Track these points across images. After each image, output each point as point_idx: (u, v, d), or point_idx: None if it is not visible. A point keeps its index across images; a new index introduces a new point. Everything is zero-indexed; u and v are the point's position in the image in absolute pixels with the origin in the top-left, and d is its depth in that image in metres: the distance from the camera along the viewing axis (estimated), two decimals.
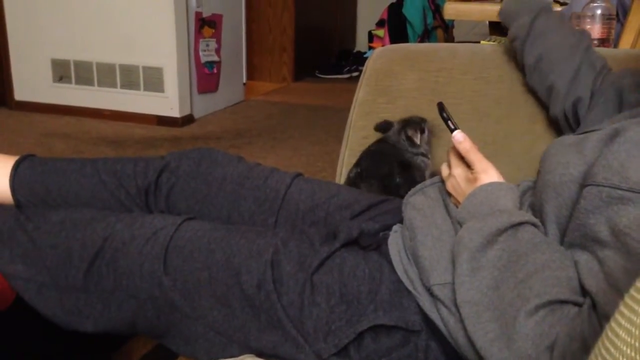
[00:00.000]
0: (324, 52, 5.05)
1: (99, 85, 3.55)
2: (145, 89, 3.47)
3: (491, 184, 0.81)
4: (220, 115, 3.77)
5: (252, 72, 4.67)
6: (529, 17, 1.16)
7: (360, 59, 4.91)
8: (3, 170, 1.08)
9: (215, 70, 3.70)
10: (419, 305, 0.80)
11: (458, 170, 0.88)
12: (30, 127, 3.44)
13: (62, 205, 1.06)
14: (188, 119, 3.53)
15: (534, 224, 0.74)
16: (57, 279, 1.00)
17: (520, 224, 0.73)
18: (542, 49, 1.14)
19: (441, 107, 0.95)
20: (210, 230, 0.96)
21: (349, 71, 4.91)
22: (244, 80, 4.25)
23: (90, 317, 0.99)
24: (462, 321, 0.71)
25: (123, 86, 3.50)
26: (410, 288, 0.81)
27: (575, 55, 1.11)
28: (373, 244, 0.93)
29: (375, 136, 1.31)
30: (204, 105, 3.68)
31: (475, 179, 0.84)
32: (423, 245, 0.82)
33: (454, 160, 0.90)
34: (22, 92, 3.74)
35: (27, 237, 1.02)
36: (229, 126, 3.55)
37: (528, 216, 0.75)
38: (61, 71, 3.60)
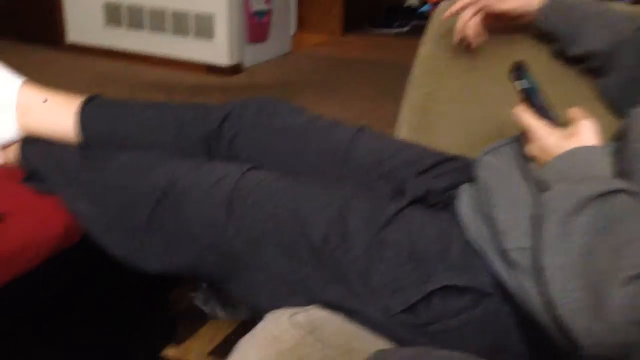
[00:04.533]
0: (374, 6, 4.94)
1: (150, 30, 3.55)
2: (195, 36, 3.46)
3: (587, 147, 0.77)
4: (268, 65, 3.74)
5: (301, 23, 4.61)
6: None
7: (410, 15, 4.79)
8: (69, 109, 1.08)
9: (265, 20, 3.66)
10: (490, 268, 0.78)
11: (545, 128, 0.83)
12: (82, 70, 3.48)
13: (125, 147, 1.07)
14: (237, 68, 3.51)
15: (630, 193, 0.71)
16: (121, 220, 1.01)
17: (617, 191, 0.70)
18: None
19: (520, 67, 0.91)
20: (275, 180, 0.95)
21: (399, 26, 4.80)
22: (293, 31, 4.19)
23: (152, 259, 1.01)
24: (540, 286, 0.69)
25: (174, 32, 3.50)
26: (481, 250, 0.80)
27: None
28: (440, 202, 0.91)
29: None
30: (253, 55, 3.65)
31: (570, 136, 0.79)
32: (499, 207, 0.79)
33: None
34: (74, 34, 3.78)
35: (93, 177, 1.04)
36: (277, 77, 3.53)
37: (625, 184, 0.72)
38: (113, 14, 3.61)
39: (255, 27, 3.60)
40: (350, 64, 3.88)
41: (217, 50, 3.44)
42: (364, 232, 0.84)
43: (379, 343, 0.77)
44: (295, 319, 0.77)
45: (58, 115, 1.09)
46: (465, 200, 0.87)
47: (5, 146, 1.12)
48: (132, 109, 1.09)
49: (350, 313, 0.82)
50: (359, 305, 0.82)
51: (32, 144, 1.10)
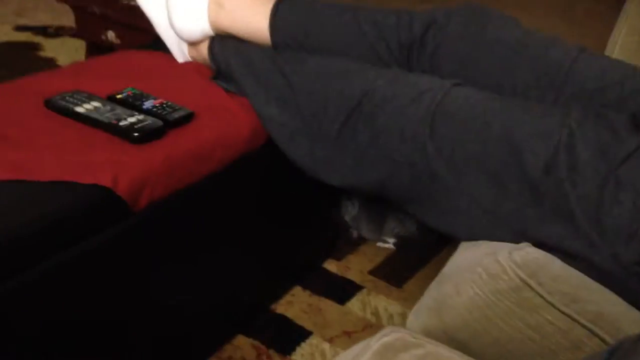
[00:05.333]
0: None
1: None
2: None
3: None
4: None
5: None
6: None
7: None
8: (263, 10, 1.03)
9: None
10: None
11: None
12: None
13: (318, 52, 1.01)
14: None
15: None
16: (310, 127, 0.96)
17: None
18: None
19: None
20: (485, 100, 0.85)
21: None
22: None
23: (339, 171, 0.97)
24: None
25: None
26: None
27: None
28: None
29: None
30: None
31: None
32: None
33: None
34: None
35: (284, 81, 0.99)
36: None
37: None
38: None
39: None
40: None
41: None
42: (596, 165, 0.73)
43: (608, 296, 0.68)
44: (514, 257, 0.69)
45: (250, 13, 1.04)
46: None
47: (196, 43, 1.09)
48: (328, 11, 1.02)
49: (570, 256, 0.73)
50: (582, 249, 0.72)
51: (222, 42, 1.07)
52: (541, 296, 0.66)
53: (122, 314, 0.90)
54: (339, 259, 1.35)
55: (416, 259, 1.37)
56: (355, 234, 1.39)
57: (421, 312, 0.73)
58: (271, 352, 1.11)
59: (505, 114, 0.82)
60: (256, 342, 1.13)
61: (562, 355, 0.65)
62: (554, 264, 0.71)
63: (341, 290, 1.27)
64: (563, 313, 0.65)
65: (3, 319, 0.73)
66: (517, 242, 0.76)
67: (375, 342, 0.62)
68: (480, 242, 0.80)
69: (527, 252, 0.72)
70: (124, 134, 0.89)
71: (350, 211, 1.37)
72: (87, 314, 0.84)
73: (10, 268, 0.72)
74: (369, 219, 1.37)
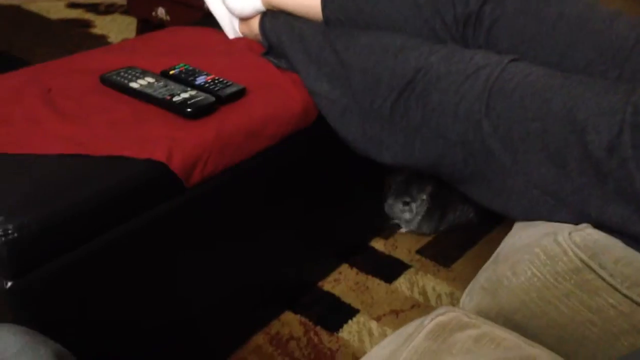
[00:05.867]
0: None
1: None
2: None
3: None
4: None
5: None
6: None
7: None
8: None
9: None
10: None
11: None
12: None
13: (371, 28, 0.99)
14: None
15: None
16: (362, 104, 0.95)
17: None
18: None
19: None
20: (544, 76, 0.83)
21: None
22: None
23: (390, 149, 0.95)
24: None
25: None
26: None
27: None
28: None
29: None
30: None
31: None
32: None
33: None
34: None
35: (336, 57, 0.98)
36: None
37: None
38: None
39: None
40: None
41: None
42: None
43: None
44: (574, 238, 0.67)
45: None
46: None
47: (248, 19, 1.09)
48: None
49: (633, 239, 0.71)
50: None
51: (274, 18, 1.06)
52: (602, 278, 0.64)
53: (174, 287, 0.91)
54: (386, 237, 1.34)
55: (465, 239, 1.35)
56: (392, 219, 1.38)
57: (475, 293, 0.72)
58: (318, 328, 1.12)
59: (566, 91, 0.79)
60: (304, 319, 1.13)
61: (624, 338, 0.63)
62: (616, 246, 0.68)
63: (388, 269, 1.26)
64: (625, 296, 0.63)
65: (60, 292, 0.75)
66: (576, 223, 0.74)
67: (430, 321, 0.62)
68: (538, 222, 0.78)
69: (588, 233, 0.70)
70: (178, 109, 0.90)
71: (407, 216, 1.34)
72: (142, 287, 0.86)
73: (66, 243, 0.74)
74: (428, 218, 1.34)
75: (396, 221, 1.36)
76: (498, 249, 0.78)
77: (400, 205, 1.33)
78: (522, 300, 0.66)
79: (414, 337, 0.61)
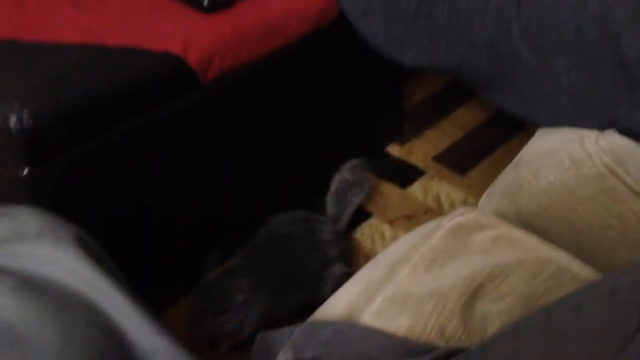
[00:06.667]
0: None
1: None
2: None
3: None
4: None
5: None
6: None
7: None
8: None
9: None
10: None
11: None
12: None
13: None
14: None
15: None
16: (385, 4, 0.91)
17: None
18: None
19: None
20: None
21: None
22: None
23: (413, 50, 0.92)
24: None
25: None
26: None
27: None
28: None
29: None
30: None
31: None
32: None
33: None
34: None
35: None
36: None
37: None
38: None
39: None
40: None
41: None
42: None
43: None
44: (601, 144, 0.65)
45: None
46: None
47: None
48: None
49: None
50: None
51: None
52: (627, 185, 0.63)
53: (187, 182, 0.92)
54: (402, 143, 1.33)
55: (482, 148, 1.33)
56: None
57: (494, 196, 0.72)
58: None
59: None
60: None
61: None
62: None
63: (403, 175, 1.26)
64: None
65: (74, 182, 0.75)
66: (602, 130, 0.72)
67: (448, 222, 0.62)
68: (562, 128, 0.76)
69: (615, 139, 0.68)
70: (194, 1, 0.87)
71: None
72: (154, 180, 0.86)
73: (81, 132, 0.73)
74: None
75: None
76: (519, 154, 0.77)
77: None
78: (542, 204, 0.65)
79: (431, 236, 0.61)
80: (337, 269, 0.97)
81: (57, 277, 0.42)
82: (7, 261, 0.43)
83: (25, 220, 0.48)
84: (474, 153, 1.32)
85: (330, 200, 1.08)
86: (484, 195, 0.74)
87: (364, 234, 1.13)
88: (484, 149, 1.33)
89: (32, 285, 0.41)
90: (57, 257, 0.43)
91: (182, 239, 0.95)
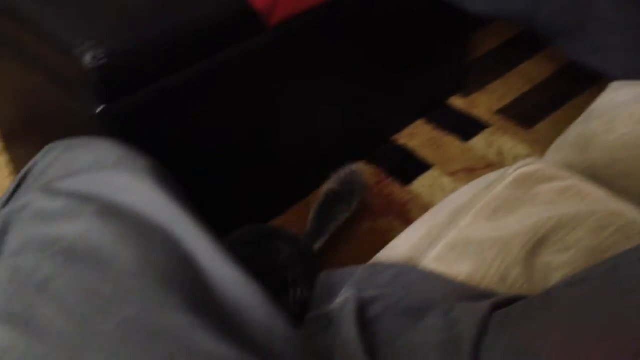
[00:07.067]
0: None
1: None
2: None
3: None
4: None
5: None
6: None
7: None
8: None
9: None
10: None
11: None
12: None
13: None
14: None
15: None
16: None
17: None
18: None
19: None
20: None
21: None
22: None
23: None
24: None
25: None
26: None
27: None
28: None
29: None
30: None
31: None
32: None
33: None
34: None
35: None
36: None
37: None
38: None
39: None
40: None
41: None
42: None
43: None
44: None
45: None
46: None
47: None
48: None
49: None
50: None
51: None
52: None
53: (251, 126, 0.93)
54: (466, 95, 1.31)
55: (549, 102, 1.30)
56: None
57: (562, 148, 0.70)
58: (390, 180, 1.13)
59: None
60: (377, 170, 1.15)
61: None
62: None
63: (466, 127, 1.24)
64: None
65: (145, 120, 0.77)
66: None
67: (514, 171, 0.61)
68: (637, 82, 0.73)
69: None
70: None
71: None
72: (216, 125, 0.88)
73: (152, 72, 0.75)
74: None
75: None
76: (590, 107, 0.75)
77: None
78: (614, 157, 0.63)
79: (495, 186, 0.60)
80: (297, 293, 0.82)
81: (134, 205, 0.44)
82: (89, 188, 0.45)
83: (104, 150, 0.50)
84: (541, 107, 1.28)
85: (313, 212, 0.98)
86: (551, 147, 0.73)
87: (423, 185, 1.12)
88: (551, 103, 1.29)
89: (112, 211, 0.43)
90: (135, 186, 0.45)
91: (239, 184, 0.97)
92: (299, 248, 0.88)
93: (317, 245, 0.95)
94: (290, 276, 0.83)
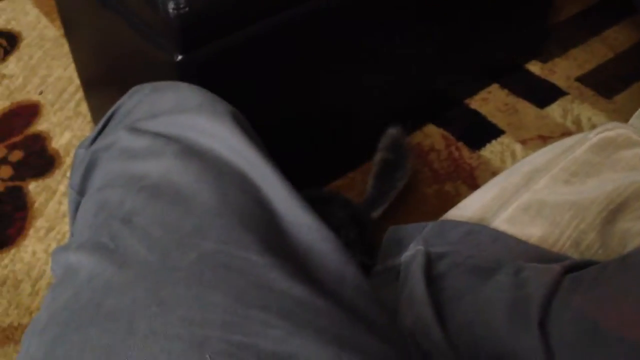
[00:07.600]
0: None
1: None
2: None
3: None
4: None
5: None
6: None
7: None
8: None
9: None
10: None
11: None
12: None
13: None
14: None
15: None
16: None
17: None
18: None
19: None
20: None
21: None
22: None
23: None
24: None
25: None
26: None
27: None
28: None
29: None
30: None
31: None
32: None
33: None
34: None
35: None
36: None
37: None
38: None
39: None
40: None
41: None
42: None
43: None
44: None
45: None
46: None
47: None
48: None
49: None
50: None
51: None
52: None
53: (320, 87, 0.93)
54: (544, 61, 1.26)
55: (632, 70, 1.24)
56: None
57: None
58: (460, 144, 1.11)
59: None
60: (446, 133, 1.13)
61: None
62: None
63: (542, 94, 1.20)
64: None
65: (225, 70, 0.78)
66: None
67: (595, 135, 0.59)
68: None
69: None
70: None
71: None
72: (294, 79, 0.88)
73: (233, 22, 0.75)
74: None
75: None
76: None
77: None
78: None
79: (575, 149, 0.59)
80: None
81: (214, 147, 0.45)
82: (171, 129, 0.47)
83: (186, 93, 0.51)
84: (623, 76, 1.23)
85: (370, 180, 0.97)
86: (636, 114, 0.70)
87: (493, 151, 1.10)
88: (635, 73, 1.23)
89: (193, 152, 0.45)
90: (215, 129, 0.46)
91: (303, 143, 0.97)
92: (353, 213, 0.87)
93: (376, 214, 0.94)
94: (342, 239, 0.82)
